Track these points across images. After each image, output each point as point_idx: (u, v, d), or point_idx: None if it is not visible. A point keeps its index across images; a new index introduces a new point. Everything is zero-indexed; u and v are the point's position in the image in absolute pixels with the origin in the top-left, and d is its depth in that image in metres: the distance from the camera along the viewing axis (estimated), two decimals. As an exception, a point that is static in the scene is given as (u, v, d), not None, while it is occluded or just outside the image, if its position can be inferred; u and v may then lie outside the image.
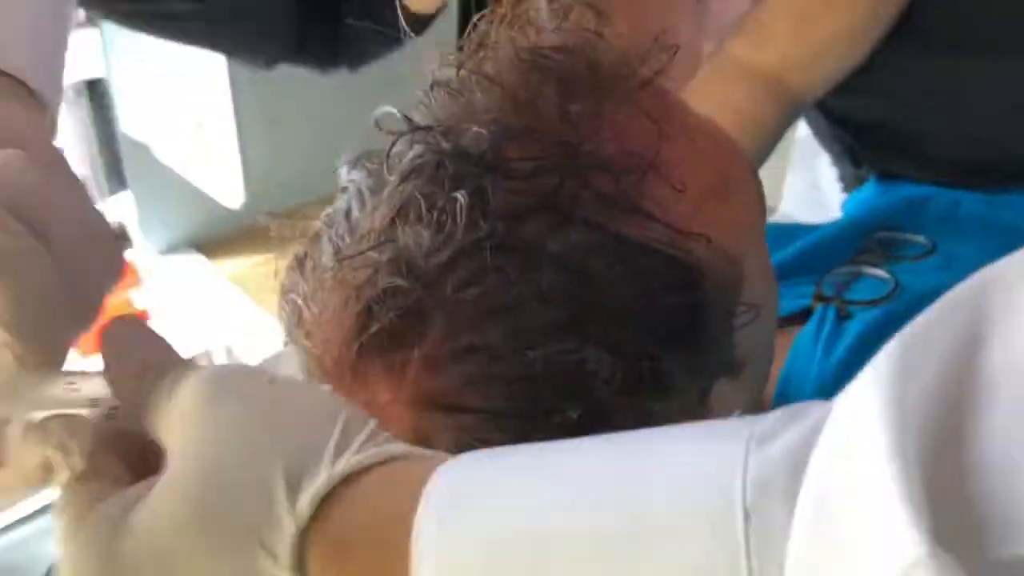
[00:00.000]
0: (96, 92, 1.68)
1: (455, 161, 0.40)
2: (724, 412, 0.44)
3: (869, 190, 0.81)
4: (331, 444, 0.29)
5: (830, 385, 0.54)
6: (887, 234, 0.69)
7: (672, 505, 0.26)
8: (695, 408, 0.42)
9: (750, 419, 0.27)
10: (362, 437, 0.30)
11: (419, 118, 0.43)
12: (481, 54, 0.44)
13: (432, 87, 0.44)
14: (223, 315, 1.67)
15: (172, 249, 1.74)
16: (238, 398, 0.31)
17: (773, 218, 0.83)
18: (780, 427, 0.26)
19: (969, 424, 0.22)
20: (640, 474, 0.27)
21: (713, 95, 0.76)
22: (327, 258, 0.42)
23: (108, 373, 0.34)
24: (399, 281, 0.38)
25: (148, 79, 1.54)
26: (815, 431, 0.25)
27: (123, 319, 0.35)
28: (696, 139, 0.45)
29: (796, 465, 0.24)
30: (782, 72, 0.74)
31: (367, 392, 0.39)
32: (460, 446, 0.34)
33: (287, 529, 0.28)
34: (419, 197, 0.39)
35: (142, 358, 0.33)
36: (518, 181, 0.40)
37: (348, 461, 0.29)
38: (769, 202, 1.02)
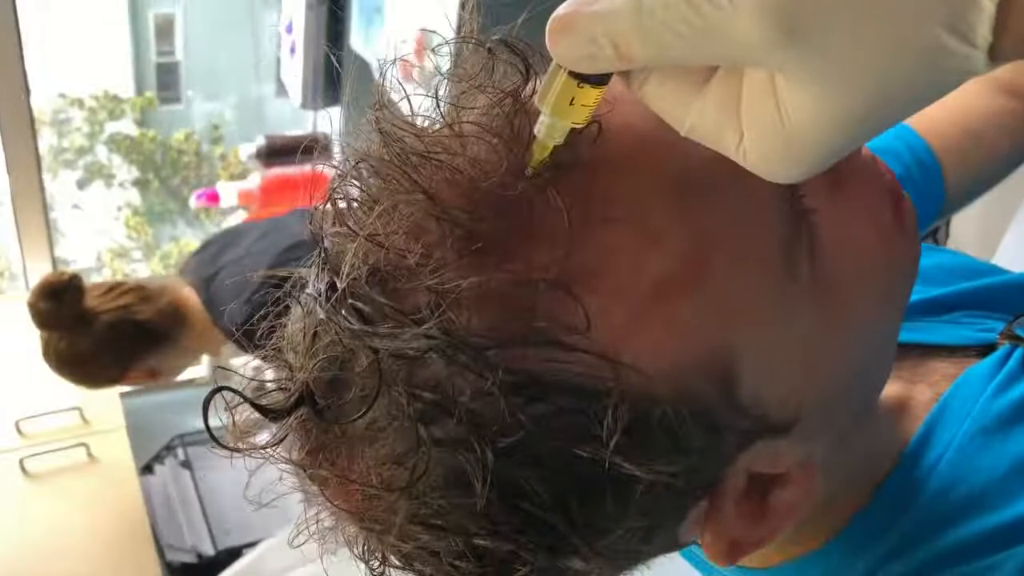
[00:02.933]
0: (338, 4, 1.74)
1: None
2: (790, 458, 0.39)
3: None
4: None
5: (992, 428, 0.47)
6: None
7: None
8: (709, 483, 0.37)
9: None
10: None
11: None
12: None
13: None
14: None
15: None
16: None
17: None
18: None
19: None
20: None
21: (943, 101, 0.68)
22: None
23: None
24: None
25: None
26: None
27: None
28: (649, 214, 0.34)
29: None
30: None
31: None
32: None
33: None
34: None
35: None
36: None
37: None
38: (982, 256, 0.93)
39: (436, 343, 0.32)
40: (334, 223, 0.36)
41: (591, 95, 0.31)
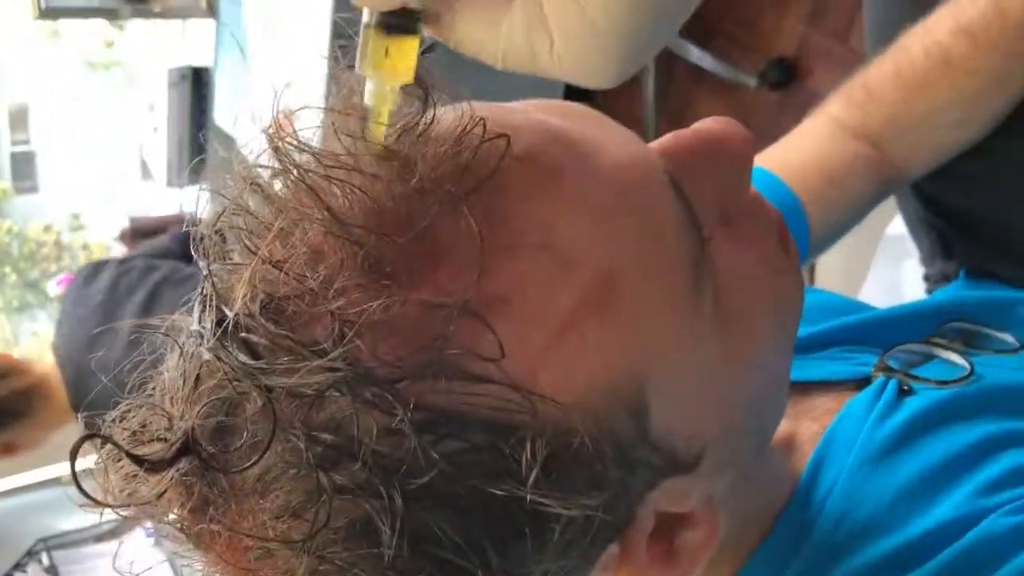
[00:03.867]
0: (200, 81, 1.72)
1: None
2: (694, 498, 0.39)
3: (956, 284, 0.74)
4: None
5: (876, 456, 0.48)
6: (967, 325, 0.62)
7: None
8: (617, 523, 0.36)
9: None
10: None
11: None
12: None
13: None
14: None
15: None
16: None
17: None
18: None
19: None
20: None
21: (801, 147, 0.71)
22: None
23: None
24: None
25: (249, 76, 1.56)
26: None
27: None
28: (559, 241, 0.33)
29: None
30: (884, 138, 0.69)
31: None
32: None
33: None
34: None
35: None
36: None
37: None
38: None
39: (339, 376, 0.29)
40: (218, 258, 0.33)
41: (405, 46, 0.31)
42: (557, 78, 0.31)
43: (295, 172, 0.32)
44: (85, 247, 2.34)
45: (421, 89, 0.33)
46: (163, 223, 1.97)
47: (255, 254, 0.31)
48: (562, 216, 0.33)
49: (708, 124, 0.39)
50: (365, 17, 0.31)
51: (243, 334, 0.31)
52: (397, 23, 0.30)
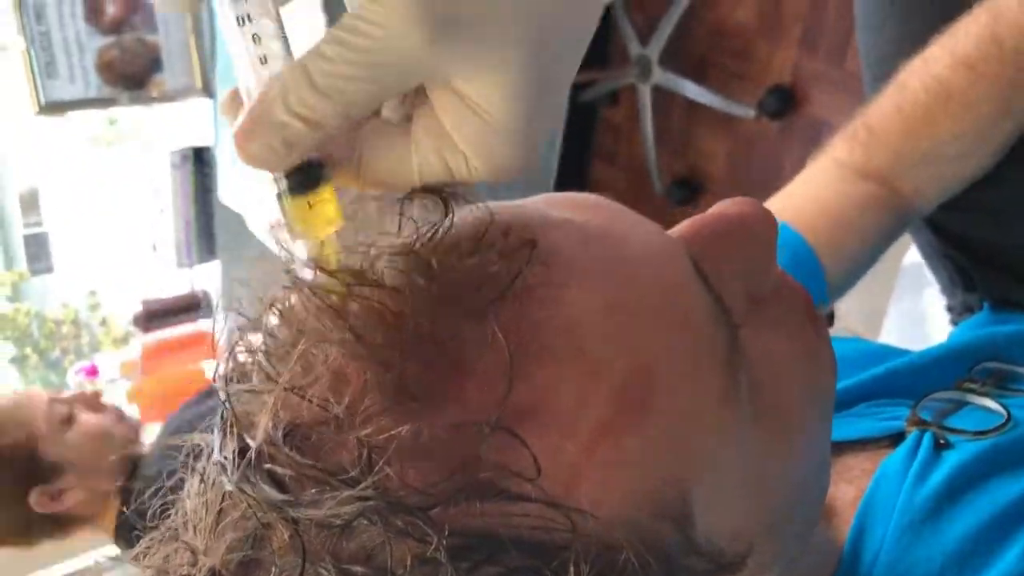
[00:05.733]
0: (201, 160, 1.73)
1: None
2: None
3: (981, 318, 0.73)
4: None
5: (919, 520, 0.46)
6: (999, 365, 0.60)
7: None
8: None
9: None
10: None
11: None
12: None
13: None
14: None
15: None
16: None
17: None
18: None
19: None
20: None
21: (808, 193, 0.70)
22: None
23: None
24: None
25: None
26: None
27: None
28: (586, 345, 0.31)
29: None
30: (893, 174, 0.68)
31: None
32: None
33: None
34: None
35: None
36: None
37: None
38: (868, 335, 0.95)
39: (369, 505, 0.28)
40: (239, 379, 0.32)
41: (322, 196, 0.32)
42: (472, 184, 0.33)
43: (310, 290, 0.31)
44: (103, 323, 2.35)
45: (438, 196, 0.32)
46: (175, 304, 1.97)
47: (275, 381, 0.30)
48: (590, 317, 0.31)
49: (727, 207, 0.37)
50: (275, 189, 0.32)
51: (267, 465, 0.29)
52: (305, 180, 0.32)
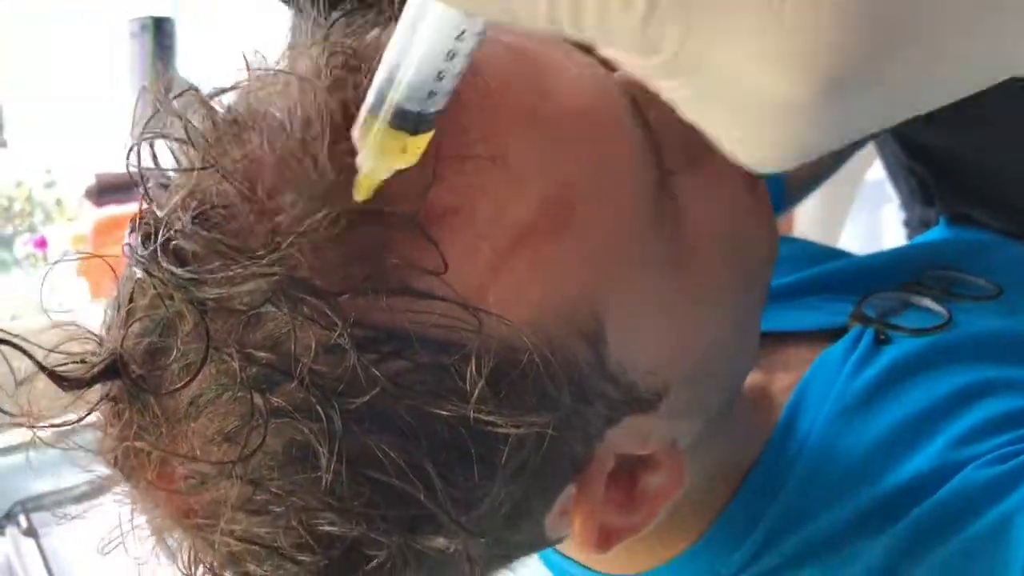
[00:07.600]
0: (161, 30, 1.67)
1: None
2: (656, 440, 0.37)
3: (936, 232, 0.73)
4: None
5: (851, 408, 0.47)
6: (947, 272, 0.60)
7: None
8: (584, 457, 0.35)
9: None
10: None
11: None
12: None
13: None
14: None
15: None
16: None
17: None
18: None
19: None
20: None
21: None
22: None
23: None
24: None
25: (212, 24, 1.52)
26: None
27: None
28: (512, 155, 0.31)
29: None
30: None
31: None
32: None
33: None
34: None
35: None
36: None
37: None
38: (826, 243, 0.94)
39: (275, 282, 0.27)
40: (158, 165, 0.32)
41: (421, 141, 0.28)
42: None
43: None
44: (59, 203, 2.30)
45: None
46: (129, 179, 1.92)
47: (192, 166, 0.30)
48: (516, 132, 0.31)
49: None
50: (368, 106, 0.27)
51: (173, 243, 0.29)
52: (418, 122, 0.27)
